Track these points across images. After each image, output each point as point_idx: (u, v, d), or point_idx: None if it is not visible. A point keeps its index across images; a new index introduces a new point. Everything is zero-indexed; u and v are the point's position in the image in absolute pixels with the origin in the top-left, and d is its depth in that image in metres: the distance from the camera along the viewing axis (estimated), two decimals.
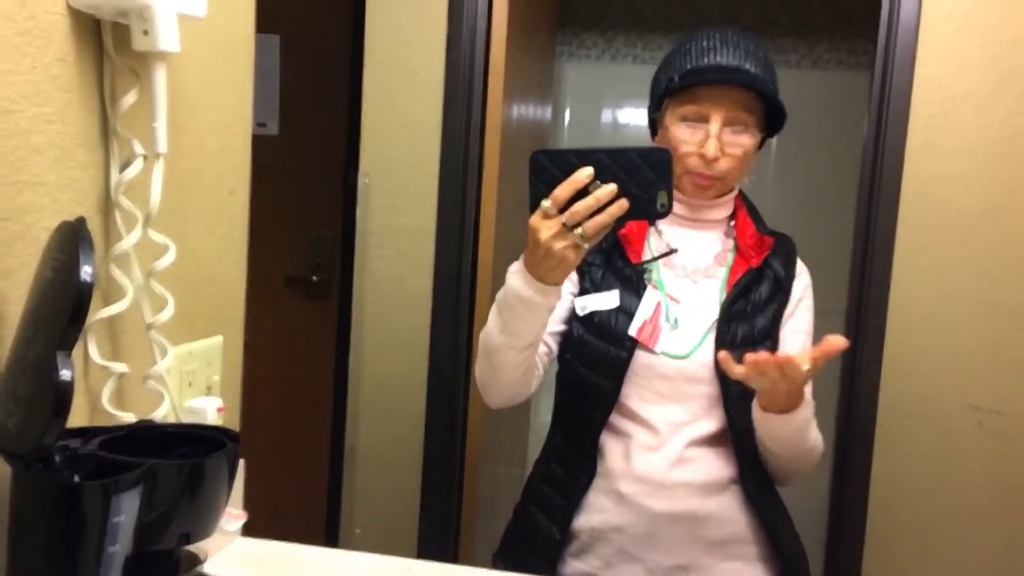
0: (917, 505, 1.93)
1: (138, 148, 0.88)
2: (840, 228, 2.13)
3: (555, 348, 1.36)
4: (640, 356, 1.30)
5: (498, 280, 2.19)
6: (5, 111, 0.75)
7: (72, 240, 0.68)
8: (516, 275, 1.16)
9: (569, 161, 1.07)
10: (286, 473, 2.54)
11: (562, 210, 1.07)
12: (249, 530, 1.17)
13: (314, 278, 2.70)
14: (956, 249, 1.88)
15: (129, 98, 0.87)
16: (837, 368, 1.98)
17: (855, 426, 1.95)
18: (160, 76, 0.86)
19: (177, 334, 1.01)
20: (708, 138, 1.28)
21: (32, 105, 0.78)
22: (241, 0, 1.13)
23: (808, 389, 1.28)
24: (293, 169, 2.63)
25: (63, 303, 0.66)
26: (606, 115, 3.59)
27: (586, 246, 1.08)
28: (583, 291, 1.35)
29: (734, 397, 1.28)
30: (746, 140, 1.31)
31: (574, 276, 1.35)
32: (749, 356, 1.15)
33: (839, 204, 2.76)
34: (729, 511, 1.31)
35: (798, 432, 1.27)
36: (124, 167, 0.88)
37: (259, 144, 2.72)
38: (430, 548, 2.10)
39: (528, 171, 1.09)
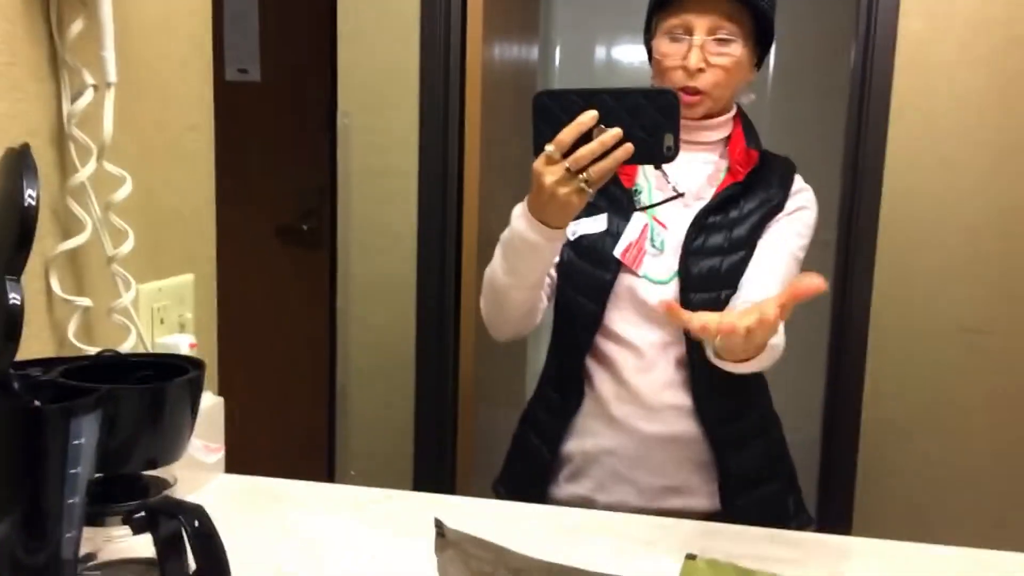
0: (909, 426, 1.94)
1: (88, 78, 0.87)
2: (833, 156, 2.10)
3: (556, 278, 1.36)
4: (624, 279, 1.30)
5: (484, 220, 2.20)
6: None
7: (16, 167, 0.67)
8: (521, 218, 1.16)
9: (573, 103, 1.05)
10: (285, 418, 2.57)
11: (566, 154, 1.05)
12: (249, 472, 1.18)
13: (304, 227, 2.68)
14: (946, 169, 1.87)
15: (76, 26, 0.85)
16: (829, 293, 1.97)
17: (846, 350, 1.96)
18: (105, 2, 0.85)
19: (144, 271, 1.01)
20: (691, 48, 1.26)
21: None
22: None
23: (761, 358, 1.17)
24: (278, 116, 2.60)
25: (9, 229, 0.65)
26: (599, 51, 3.53)
27: (591, 191, 1.07)
28: (575, 216, 1.33)
29: (693, 308, 1.15)
30: (733, 51, 1.27)
31: None
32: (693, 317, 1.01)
33: (831, 132, 2.73)
34: (690, 431, 1.29)
35: (755, 367, 1.18)
36: (75, 98, 0.87)
37: (242, 91, 2.68)
38: (426, 488, 2.13)
39: (532, 113, 1.07)
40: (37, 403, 0.69)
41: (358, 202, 2.15)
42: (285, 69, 2.58)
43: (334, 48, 2.21)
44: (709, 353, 1.17)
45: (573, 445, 1.35)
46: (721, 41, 1.26)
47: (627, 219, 1.31)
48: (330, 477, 2.29)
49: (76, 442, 0.68)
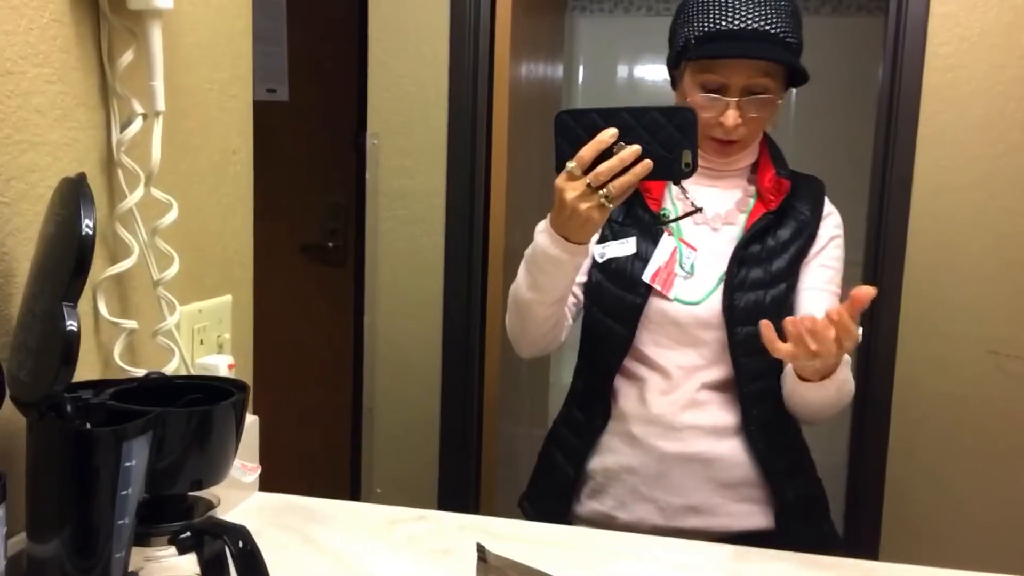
0: (936, 448, 1.93)
1: (137, 107, 0.89)
2: (860, 177, 2.11)
3: (582, 298, 1.37)
4: (654, 302, 1.31)
5: (510, 239, 2.21)
6: (6, 72, 0.76)
7: (73, 195, 0.70)
8: (543, 234, 1.18)
9: (593, 121, 1.08)
10: (310, 436, 2.59)
11: (587, 171, 1.08)
12: (273, 490, 1.20)
13: (329, 244, 2.71)
14: (973, 193, 1.86)
15: (126, 57, 0.88)
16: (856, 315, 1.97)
17: (874, 372, 1.95)
18: (156, 34, 0.87)
19: (186, 293, 1.03)
20: (728, 109, 1.27)
21: (31, 66, 0.79)
22: None
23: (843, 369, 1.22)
24: (304, 135, 2.63)
25: (66, 257, 0.67)
26: (621, 70, 3.55)
27: (611, 206, 1.09)
28: (602, 238, 1.36)
29: (739, 341, 1.28)
30: (767, 106, 1.29)
31: None
32: (787, 320, 1.10)
33: (858, 153, 2.73)
34: (738, 454, 1.31)
35: (833, 396, 1.22)
36: (125, 126, 0.89)
37: (270, 110, 2.73)
38: (450, 505, 2.14)
39: (553, 131, 1.10)
40: (89, 426, 0.71)
41: (386, 222, 2.17)
42: (312, 89, 2.62)
43: (361, 69, 2.24)
44: (790, 381, 1.22)
45: (595, 463, 1.37)
46: (757, 97, 1.28)
47: (655, 243, 1.33)
48: (355, 495, 2.30)
49: (127, 464, 0.70)
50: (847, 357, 1.22)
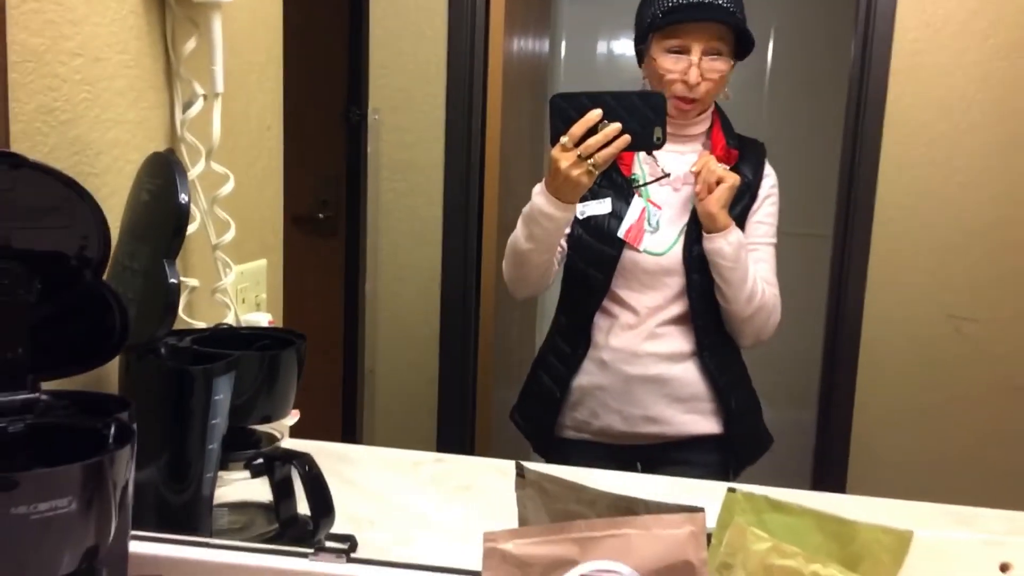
0: (899, 405, 2.09)
1: (198, 89, 1.00)
2: (832, 150, 2.24)
3: (566, 248, 1.62)
4: (627, 254, 1.57)
5: (503, 206, 2.33)
6: (97, 59, 0.86)
7: (166, 167, 0.81)
8: (540, 196, 1.44)
9: (582, 103, 1.33)
10: (302, 404, 2.69)
11: (577, 144, 1.33)
12: None
13: (320, 215, 2.80)
14: (935, 168, 2.01)
15: (190, 44, 0.98)
16: (826, 281, 2.12)
17: (842, 335, 2.10)
18: (217, 24, 0.98)
19: (231, 256, 1.14)
20: (690, 67, 1.51)
21: (115, 53, 0.90)
22: None
23: (737, 234, 1.53)
24: (295, 108, 2.71)
25: (166, 221, 0.79)
26: (601, 47, 3.66)
27: (597, 172, 1.36)
28: (582, 199, 1.58)
29: (695, 284, 1.56)
30: (721, 66, 1.53)
31: None
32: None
33: (830, 127, 2.87)
34: (689, 375, 1.60)
35: (737, 259, 1.52)
36: (187, 106, 1.00)
37: None
38: None
39: (549, 111, 1.34)
40: (186, 366, 0.83)
41: (387, 193, 2.28)
42: (304, 64, 2.69)
43: (355, 44, 2.33)
44: (705, 242, 1.54)
45: (575, 382, 1.64)
46: (713, 58, 1.53)
47: (628, 203, 1.58)
48: None
49: (216, 398, 0.82)
50: (738, 232, 1.53)
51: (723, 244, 1.52)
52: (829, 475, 2.14)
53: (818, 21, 3.26)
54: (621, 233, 1.56)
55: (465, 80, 2.21)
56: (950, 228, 2.03)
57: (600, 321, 1.61)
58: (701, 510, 0.69)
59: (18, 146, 0.76)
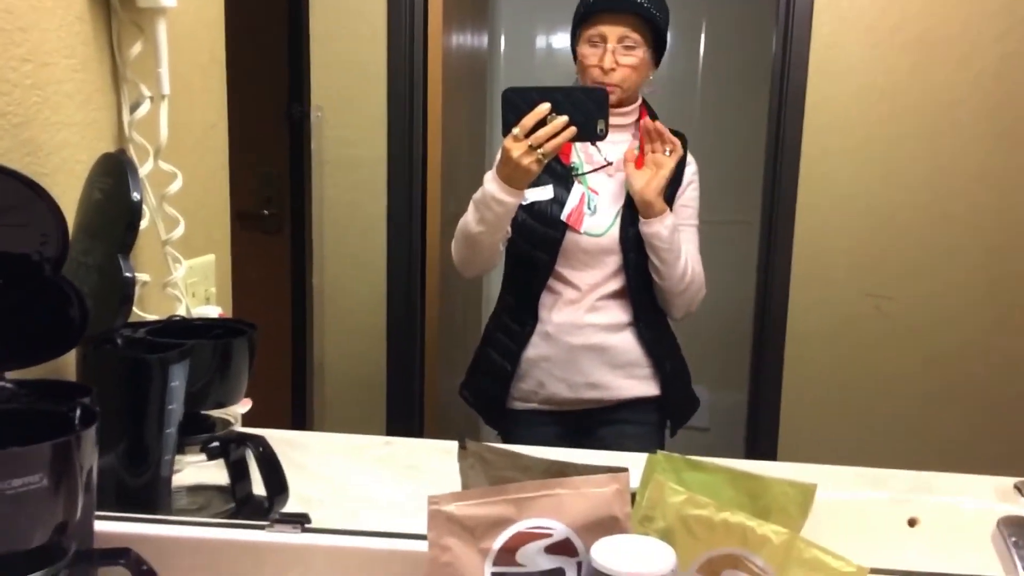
0: (825, 381, 2.21)
1: (145, 91, 1.04)
2: (756, 140, 2.35)
3: (510, 231, 1.71)
4: (569, 236, 1.69)
5: (446, 198, 2.39)
6: (45, 64, 0.90)
7: (118, 166, 0.85)
8: (491, 182, 1.55)
9: (532, 97, 1.44)
10: (253, 394, 2.72)
11: (528, 134, 1.45)
12: None
13: (265, 212, 2.82)
14: (853, 156, 2.13)
15: (135, 48, 1.02)
16: (753, 266, 2.23)
17: (769, 315, 2.22)
18: (162, 28, 1.02)
19: (180, 251, 1.18)
20: (605, 53, 1.64)
21: (62, 57, 0.93)
22: None
23: (671, 218, 1.66)
24: (238, 106, 2.72)
25: (119, 218, 0.83)
26: (540, 41, 3.73)
27: (545, 160, 1.48)
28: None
29: (631, 262, 1.69)
30: (637, 54, 1.65)
31: None
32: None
33: (755, 119, 2.99)
34: (626, 343, 1.72)
35: (671, 241, 1.64)
36: (134, 108, 1.04)
37: None
38: None
39: (501, 104, 1.45)
40: (143, 355, 0.88)
41: (330, 190, 2.32)
42: (245, 62, 2.70)
43: (295, 42, 2.36)
44: (641, 227, 1.66)
45: (523, 355, 1.74)
46: (628, 47, 1.65)
47: (568, 189, 1.69)
48: None
49: (173, 384, 0.87)
50: (670, 215, 1.66)
51: (660, 228, 1.64)
52: (761, 450, 2.26)
53: (745, 17, 3.38)
54: (563, 216, 1.67)
55: (405, 76, 2.26)
56: (868, 213, 2.15)
57: (545, 298, 1.72)
58: (625, 470, 0.77)
59: None
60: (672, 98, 1.79)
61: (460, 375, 1.88)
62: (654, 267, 1.68)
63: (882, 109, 2.10)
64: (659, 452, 0.82)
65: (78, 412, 0.67)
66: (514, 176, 1.50)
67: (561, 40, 3.70)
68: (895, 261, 2.16)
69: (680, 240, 1.68)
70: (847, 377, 2.21)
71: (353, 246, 2.34)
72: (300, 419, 2.52)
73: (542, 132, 1.44)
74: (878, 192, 2.14)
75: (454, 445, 1.37)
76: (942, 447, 2.14)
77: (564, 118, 1.43)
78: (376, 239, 2.31)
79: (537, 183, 1.65)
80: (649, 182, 1.63)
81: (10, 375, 0.75)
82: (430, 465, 1.21)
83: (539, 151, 1.45)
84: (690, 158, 1.76)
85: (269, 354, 2.81)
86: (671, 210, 1.68)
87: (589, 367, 1.72)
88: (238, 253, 2.77)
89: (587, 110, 1.44)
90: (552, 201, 1.68)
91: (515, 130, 1.45)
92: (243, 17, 2.68)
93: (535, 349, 1.73)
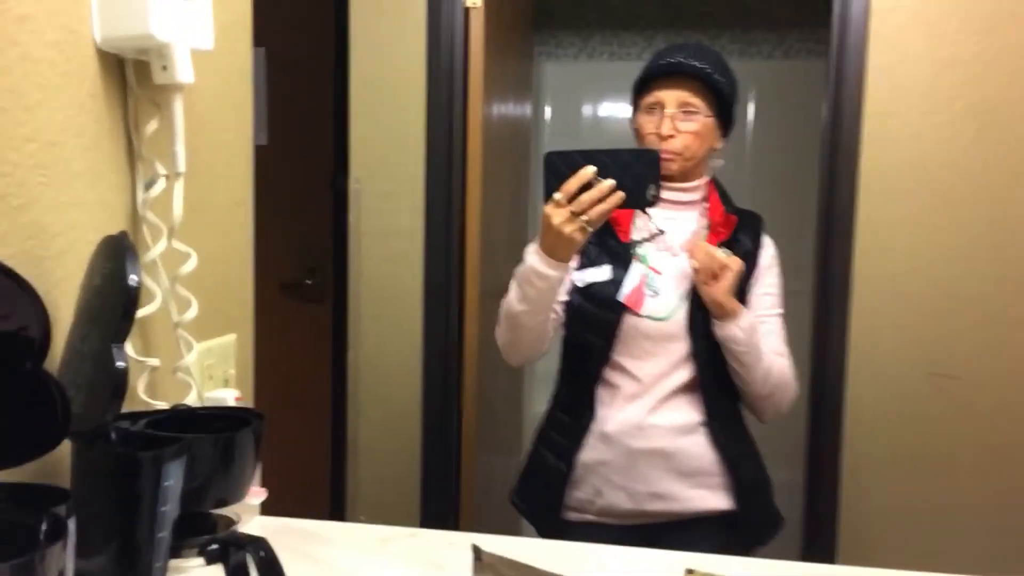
0: (884, 463, 2.07)
1: (160, 169, 1.00)
2: (810, 209, 2.26)
3: (561, 315, 1.58)
4: (628, 319, 1.53)
5: (484, 273, 2.34)
6: (53, 143, 0.87)
7: (118, 251, 0.81)
8: (533, 254, 1.41)
9: (575, 160, 1.32)
10: (290, 469, 2.66)
11: (571, 200, 1.31)
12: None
13: (308, 282, 2.81)
14: (910, 228, 2.03)
15: (151, 126, 0.99)
16: (807, 341, 2.12)
17: (826, 394, 2.09)
18: (178, 105, 0.99)
19: (197, 333, 1.13)
20: (663, 119, 1.52)
21: (72, 136, 0.90)
22: (239, 29, 1.25)
23: (747, 317, 1.51)
24: (283, 178, 2.73)
25: (115, 304, 0.78)
26: (586, 110, 3.72)
27: (590, 229, 1.33)
28: (581, 266, 1.57)
29: (702, 350, 1.52)
30: (696, 120, 1.52)
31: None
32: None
33: (809, 186, 2.90)
34: (696, 448, 1.54)
35: (749, 343, 1.49)
36: (149, 186, 1.01)
37: None
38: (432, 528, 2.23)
39: (543, 168, 1.33)
40: (134, 452, 0.82)
41: (368, 260, 2.29)
42: (290, 134, 2.74)
43: (338, 114, 2.36)
44: (715, 328, 1.50)
45: (577, 458, 1.57)
46: (687, 113, 1.52)
47: (627, 269, 1.54)
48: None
49: (166, 484, 0.80)
50: (748, 314, 1.50)
51: (736, 330, 1.48)
52: (819, 534, 2.11)
53: (793, 85, 3.32)
54: (621, 298, 1.52)
55: (444, 147, 2.24)
56: (928, 287, 2.03)
57: (602, 393, 1.56)
58: None
59: None
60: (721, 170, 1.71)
61: (498, 453, 1.80)
62: (734, 371, 1.52)
63: (943, 177, 2.00)
64: (695, 572, 0.73)
65: (44, 525, 0.61)
66: (556, 247, 1.36)
67: (607, 109, 3.68)
68: (960, 338, 2.03)
69: (760, 338, 1.51)
70: (910, 461, 2.06)
71: (390, 319, 2.29)
72: (339, 495, 2.45)
73: (585, 197, 1.30)
74: (940, 264, 2.02)
75: (479, 539, 1.29)
76: (1021, 547, 1.97)
77: (611, 182, 1.29)
78: (412, 311, 2.26)
79: (594, 263, 1.54)
80: (718, 282, 1.47)
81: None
82: (456, 563, 1.13)
83: (582, 218, 1.31)
84: (767, 240, 1.61)
85: (309, 427, 2.78)
86: (745, 298, 1.54)
87: (652, 474, 1.53)
88: (281, 322, 2.77)
89: (636, 173, 1.30)
90: (609, 282, 1.54)
91: (556, 195, 1.32)
92: (292, 90, 2.73)
93: (592, 452, 1.56)
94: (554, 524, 1.59)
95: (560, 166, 1.32)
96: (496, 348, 1.63)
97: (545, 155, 1.33)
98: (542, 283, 1.41)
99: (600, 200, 1.30)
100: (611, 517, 1.57)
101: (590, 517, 1.58)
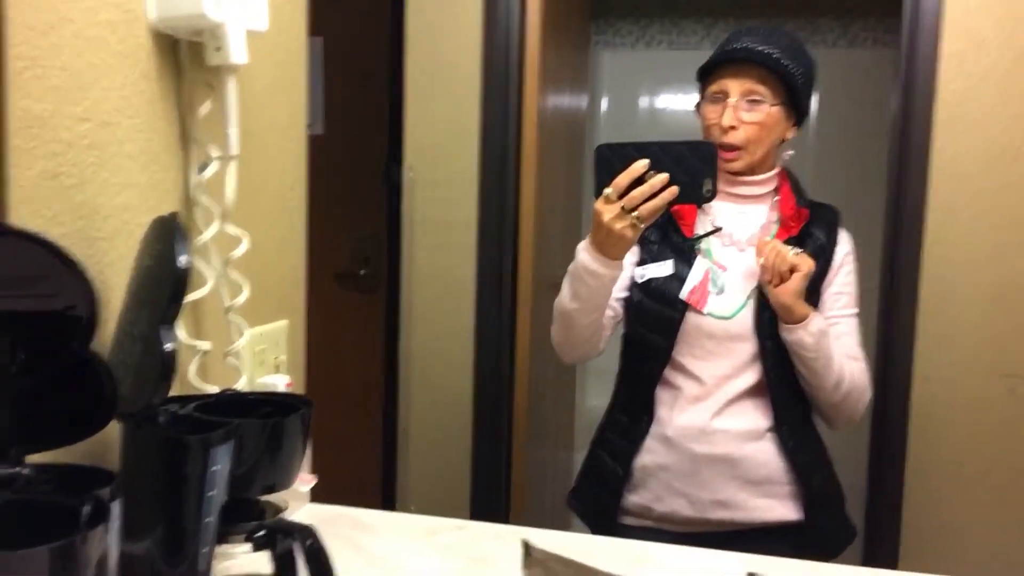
0: (951, 467, 1.98)
1: (213, 151, 1.00)
2: (876, 203, 2.18)
3: (620, 312, 1.52)
4: (690, 317, 1.46)
5: (538, 265, 2.31)
6: (106, 123, 0.86)
7: (169, 232, 0.80)
8: (583, 251, 1.35)
9: (628, 153, 1.24)
10: (342, 457, 2.67)
11: (622, 195, 1.24)
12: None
13: (362, 272, 2.81)
14: (982, 222, 1.93)
15: (204, 107, 0.98)
16: (873, 341, 2.04)
17: (891, 394, 2.01)
18: (231, 87, 0.98)
19: (248, 318, 1.13)
20: (726, 109, 1.43)
21: (125, 117, 0.90)
22: (294, 11, 1.24)
23: (817, 321, 1.41)
24: (339, 168, 2.74)
25: (164, 286, 0.77)
26: (643, 101, 3.65)
27: (642, 226, 1.26)
28: (642, 261, 1.51)
29: (770, 351, 1.44)
30: (763, 110, 1.43)
31: (635, 248, 1.48)
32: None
33: (875, 180, 2.80)
34: (763, 455, 1.46)
35: (819, 348, 1.40)
36: (202, 168, 1.00)
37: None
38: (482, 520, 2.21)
39: (593, 161, 1.26)
40: (182, 435, 0.81)
41: (421, 251, 2.28)
42: (345, 124, 2.74)
43: (393, 104, 2.35)
44: (781, 331, 1.42)
45: (637, 461, 1.51)
46: (753, 103, 1.43)
47: (690, 264, 1.47)
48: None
49: (213, 468, 0.79)
50: (820, 319, 1.41)
51: (804, 335, 1.39)
52: (881, 541, 2.03)
53: (860, 73, 3.22)
54: (683, 295, 1.45)
55: (499, 137, 2.21)
56: (1000, 283, 1.94)
57: (663, 394, 1.49)
58: None
59: (18, 213, 0.75)
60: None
61: (551, 448, 1.77)
62: (801, 376, 1.44)
63: (1019, 169, 1.90)
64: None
65: (87, 508, 0.60)
66: (607, 243, 1.29)
67: (665, 100, 3.62)
68: None
69: (831, 342, 1.42)
70: (978, 465, 1.97)
71: (443, 310, 2.28)
72: (391, 484, 2.45)
73: (637, 192, 1.23)
74: (1013, 260, 1.92)
75: (529, 533, 1.26)
76: None
77: (664, 176, 1.22)
78: (465, 303, 2.24)
79: (656, 258, 1.48)
80: (785, 284, 1.39)
81: (37, 458, 0.69)
82: (502, 557, 1.10)
83: (633, 214, 1.24)
84: (843, 235, 1.52)
85: (361, 415, 2.78)
86: (818, 296, 1.46)
87: (716, 481, 1.46)
88: (334, 312, 2.78)
89: (691, 167, 1.23)
90: (671, 277, 1.46)
91: (607, 190, 1.25)
92: (348, 78, 2.74)
93: (651, 455, 1.50)
94: (611, 529, 1.53)
95: (611, 159, 1.25)
96: (548, 341, 1.58)
97: (596, 148, 1.27)
98: (593, 281, 1.35)
99: (653, 196, 1.23)
100: (671, 524, 1.50)
101: (649, 523, 1.52)
